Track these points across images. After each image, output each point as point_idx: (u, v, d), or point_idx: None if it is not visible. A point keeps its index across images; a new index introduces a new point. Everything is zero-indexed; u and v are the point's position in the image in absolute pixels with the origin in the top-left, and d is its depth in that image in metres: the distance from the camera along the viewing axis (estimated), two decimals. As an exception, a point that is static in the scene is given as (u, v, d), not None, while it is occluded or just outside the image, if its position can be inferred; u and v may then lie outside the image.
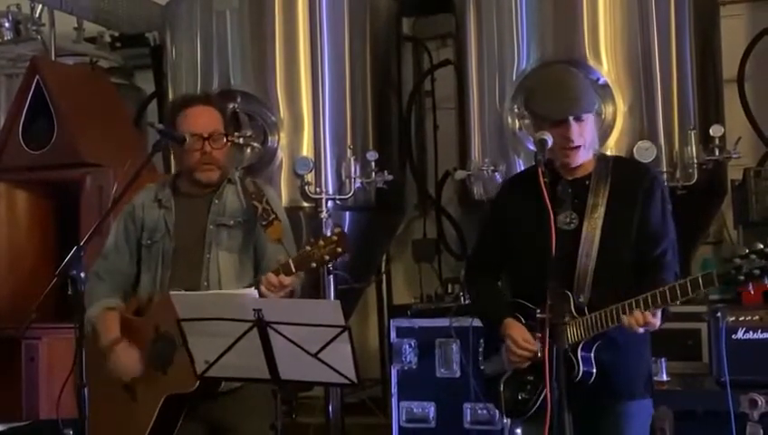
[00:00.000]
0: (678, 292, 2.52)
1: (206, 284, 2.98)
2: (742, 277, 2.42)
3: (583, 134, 2.70)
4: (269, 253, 3.00)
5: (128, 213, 3.16)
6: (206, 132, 3.03)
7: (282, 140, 4.72)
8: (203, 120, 3.06)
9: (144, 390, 2.99)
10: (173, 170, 4.91)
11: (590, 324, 2.65)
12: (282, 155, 4.70)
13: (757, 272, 2.39)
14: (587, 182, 2.75)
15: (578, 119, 2.68)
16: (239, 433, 3.01)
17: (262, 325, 2.56)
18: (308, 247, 2.79)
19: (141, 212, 3.13)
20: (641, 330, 2.59)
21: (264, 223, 2.90)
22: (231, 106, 4.56)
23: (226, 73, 4.79)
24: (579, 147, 2.71)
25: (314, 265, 2.78)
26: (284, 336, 2.56)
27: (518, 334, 2.75)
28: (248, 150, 4.65)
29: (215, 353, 2.68)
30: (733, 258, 2.44)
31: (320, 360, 2.57)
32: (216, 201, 3.06)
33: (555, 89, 2.73)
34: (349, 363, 2.58)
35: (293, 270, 2.80)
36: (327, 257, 2.76)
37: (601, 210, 2.70)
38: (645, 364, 2.76)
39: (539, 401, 2.70)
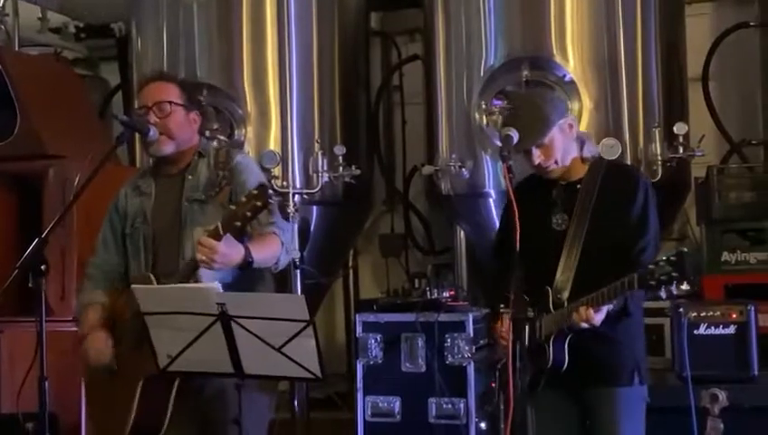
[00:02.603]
0: (611, 293, 2.66)
1: (183, 260, 2.93)
2: (653, 282, 2.53)
3: (549, 153, 2.85)
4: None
5: (113, 206, 3.15)
6: (150, 102, 3.00)
7: (248, 134, 4.69)
8: (150, 92, 3.03)
9: (127, 374, 2.95)
10: (137, 163, 4.92)
11: (556, 319, 2.78)
12: (248, 148, 4.67)
13: (664, 278, 2.51)
14: (578, 186, 2.89)
15: (537, 145, 2.82)
16: (209, 429, 2.98)
17: (225, 319, 2.55)
18: (231, 207, 2.75)
19: (124, 202, 3.12)
20: (585, 325, 2.71)
21: (217, 189, 2.89)
22: (197, 99, 4.51)
23: (193, 66, 4.75)
24: (549, 163, 2.86)
25: (239, 223, 2.69)
26: (248, 330, 2.55)
27: (504, 331, 2.88)
28: (214, 144, 4.60)
29: (178, 347, 2.67)
30: (649, 264, 2.56)
31: (284, 354, 2.57)
32: (190, 177, 3.02)
33: (517, 123, 2.86)
34: (313, 358, 2.58)
35: (221, 232, 2.71)
36: (249, 214, 2.69)
37: (588, 213, 2.83)
38: (630, 355, 2.82)
39: (532, 378, 2.80)
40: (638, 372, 2.82)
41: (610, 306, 2.70)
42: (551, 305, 2.81)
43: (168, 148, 3.01)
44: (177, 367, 2.72)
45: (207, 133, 4.55)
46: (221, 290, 2.60)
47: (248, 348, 2.59)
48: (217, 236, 2.70)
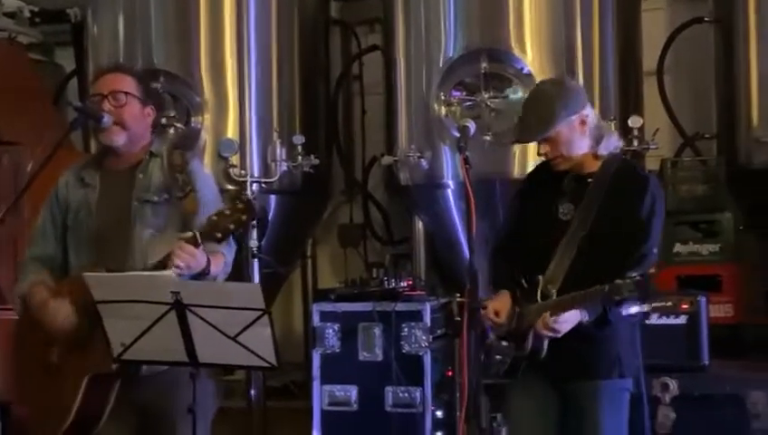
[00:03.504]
0: (575, 301, 2.71)
1: (131, 262, 2.89)
2: (617, 298, 2.60)
3: (555, 146, 2.85)
4: (188, 226, 2.87)
5: (53, 195, 3.06)
6: (106, 90, 2.95)
7: (206, 122, 4.66)
8: (107, 81, 2.98)
9: (70, 370, 2.91)
10: (92, 150, 4.86)
11: (540, 310, 2.80)
12: (206, 137, 4.64)
13: (627, 296, 2.58)
14: (588, 180, 2.88)
15: (544, 139, 2.83)
16: (163, 417, 2.97)
17: (180, 308, 2.53)
18: (214, 217, 2.72)
19: (65, 192, 3.03)
20: (548, 333, 2.75)
21: (180, 194, 2.84)
22: (154, 86, 4.47)
23: (149, 52, 4.70)
24: (557, 156, 2.86)
25: (220, 235, 2.70)
26: (203, 319, 2.54)
27: (492, 305, 2.90)
28: (171, 131, 4.58)
29: (132, 336, 2.64)
30: (617, 280, 2.61)
31: (239, 343, 2.56)
32: (140, 175, 2.96)
33: (522, 114, 2.91)
34: (269, 347, 2.57)
35: (199, 241, 2.71)
36: (232, 226, 2.69)
37: (594, 208, 2.82)
38: (612, 348, 2.83)
39: (507, 365, 2.89)
40: (618, 366, 2.83)
41: (586, 317, 2.71)
42: (539, 295, 2.82)
43: (119, 138, 2.95)
44: (132, 356, 2.69)
45: (164, 121, 4.52)
46: (176, 279, 2.58)
47: (203, 337, 2.57)
48: (195, 244, 2.70)
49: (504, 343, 2.89)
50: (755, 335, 4.71)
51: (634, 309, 2.59)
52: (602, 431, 2.82)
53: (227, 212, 2.69)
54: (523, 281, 2.90)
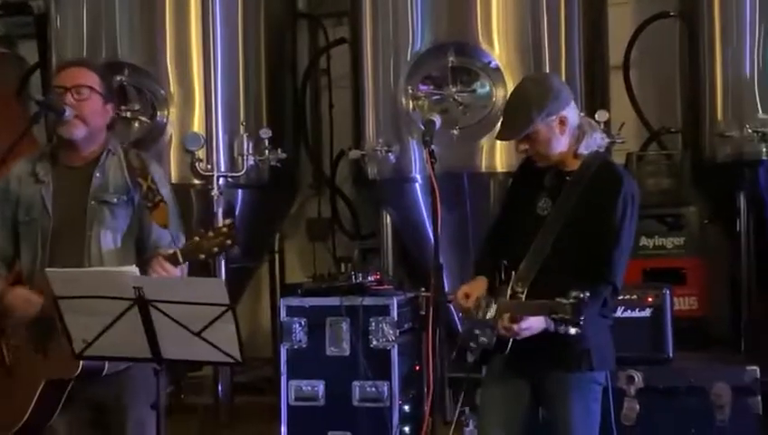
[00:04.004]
0: (529, 309, 2.74)
1: (87, 263, 2.88)
2: (554, 316, 2.64)
3: (533, 145, 2.87)
4: (154, 234, 2.91)
5: (3, 189, 3.00)
6: (69, 84, 2.92)
7: (171, 115, 4.63)
8: (70, 75, 2.95)
9: (24, 373, 2.88)
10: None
11: (507, 306, 2.82)
12: (171, 130, 4.61)
13: (562, 317, 2.61)
14: (567, 178, 2.89)
15: (525, 136, 2.85)
16: (124, 414, 2.94)
17: (142, 303, 2.51)
18: (197, 238, 2.75)
19: (17, 186, 2.98)
20: (507, 334, 2.77)
21: (149, 205, 2.81)
22: (118, 79, 4.44)
23: (114, 45, 4.65)
24: (537, 152, 2.89)
25: (202, 256, 2.74)
26: (166, 315, 2.51)
27: (464, 287, 2.93)
28: (136, 125, 4.53)
29: (94, 333, 2.61)
30: (560, 299, 2.63)
31: (203, 339, 2.54)
32: (98, 174, 2.93)
33: (504, 111, 2.94)
34: (233, 343, 2.56)
35: (180, 261, 2.75)
36: (216, 250, 2.72)
37: (569, 206, 2.85)
38: (583, 341, 2.83)
39: (481, 353, 2.90)
40: (588, 359, 2.85)
41: (551, 326, 2.71)
42: (508, 290, 2.84)
43: (79, 132, 2.92)
44: (94, 352, 2.66)
45: (129, 114, 4.48)
46: (138, 273, 2.55)
47: (166, 333, 2.55)
48: (176, 263, 2.73)
49: (477, 331, 2.90)
50: (719, 328, 4.77)
51: (573, 330, 2.61)
52: (572, 424, 2.85)
53: (211, 235, 2.72)
54: (502, 273, 2.92)
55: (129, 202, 2.92)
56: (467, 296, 2.90)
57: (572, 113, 2.89)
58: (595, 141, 2.92)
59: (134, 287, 2.50)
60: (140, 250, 2.97)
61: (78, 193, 2.92)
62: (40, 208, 2.94)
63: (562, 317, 2.61)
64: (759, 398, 3.61)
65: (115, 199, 2.91)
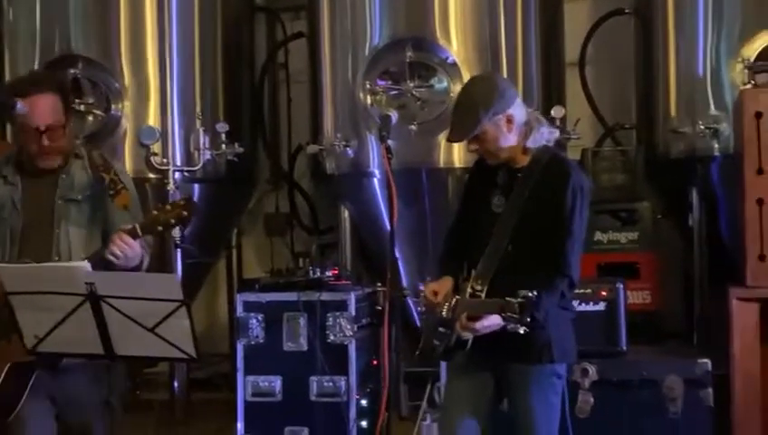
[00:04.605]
0: (484, 307, 2.78)
1: (56, 258, 2.90)
2: (504, 315, 2.67)
3: (483, 144, 2.92)
4: (117, 222, 2.94)
5: None
6: (42, 125, 2.90)
7: (126, 109, 4.58)
8: (38, 111, 2.91)
9: None
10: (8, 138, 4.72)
11: (468, 305, 2.85)
12: (126, 124, 4.56)
13: (511, 316, 2.64)
14: (519, 174, 2.93)
15: (474, 137, 2.89)
16: (82, 408, 2.92)
17: (94, 299, 2.48)
18: (155, 212, 2.80)
19: None
20: (468, 334, 2.81)
21: (111, 192, 2.86)
22: (72, 72, 4.38)
23: (67, 38, 4.59)
24: (486, 151, 2.93)
25: (161, 228, 2.79)
26: (119, 310, 2.49)
27: (431, 285, 2.96)
28: (90, 119, 4.48)
29: (46, 328, 2.59)
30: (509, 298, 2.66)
31: (157, 335, 2.53)
32: (64, 176, 2.98)
33: (453, 114, 2.97)
34: (187, 338, 2.54)
35: (140, 233, 2.78)
36: (173, 221, 2.76)
37: (521, 202, 2.89)
38: (544, 334, 2.87)
39: (444, 349, 2.93)
40: (549, 351, 2.88)
41: (509, 324, 2.74)
42: (468, 288, 2.87)
43: (57, 162, 2.97)
44: (46, 348, 2.64)
45: (83, 108, 4.43)
46: (90, 269, 2.53)
47: (119, 329, 2.53)
48: (135, 236, 2.77)
49: (441, 329, 2.93)
50: (672, 321, 4.84)
51: (521, 329, 2.64)
52: (533, 416, 2.89)
53: (168, 208, 2.78)
54: (465, 272, 2.96)
55: (93, 198, 2.97)
56: (436, 294, 2.93)
57: (519, 111, 2.94)
58: (542, 136, 2.96)
59: (86, 283, 2.48)
60: (106, 242, 2.97)
61: (46, 194, 2.96)
62: (9, 208, 2.97)
63: (510, 316, 2.65)
64: (710, 390, 3.67)
65: (80, 197, 2.96)
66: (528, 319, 2.63)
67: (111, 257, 2.74)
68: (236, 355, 4.18)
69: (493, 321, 2.77)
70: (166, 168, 4.51)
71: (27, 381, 2.82)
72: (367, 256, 5.01)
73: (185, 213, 2.75)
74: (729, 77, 4.38)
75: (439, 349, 2.93)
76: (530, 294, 2.63)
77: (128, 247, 2.75)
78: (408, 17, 4.57)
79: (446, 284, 2.96)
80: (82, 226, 2.94)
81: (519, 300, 2.63)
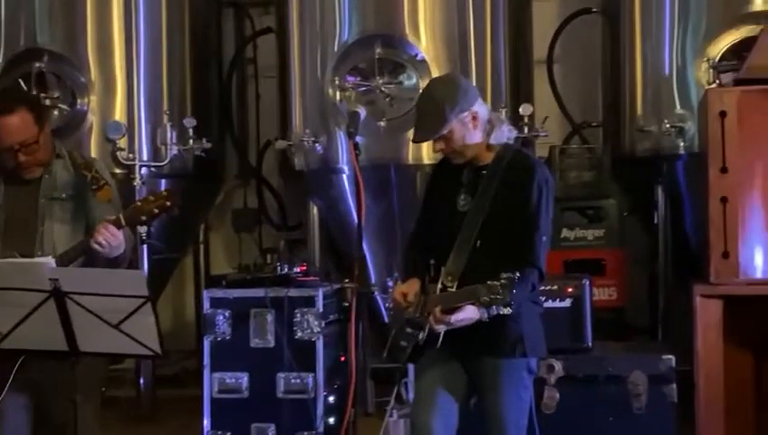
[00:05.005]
0: (458, 298, 2.80)
1: (39, 254, 2.90)
2: (486, 299, 2.68)
3: (449, 143, 2.92)
4: (101, 216, 2.96)
5: None
6: (16, 144, 2.92)
7: (92, 103, 4.55)
8: (9, 131, 2.92)
9: None
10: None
11: (438, 301, 2.85)
12: (92, 118, 4.53)
13: (494, 299, 2.67)
14: (483, 172, 2.95)
15: (440, 136, 2.90)
16: (51, 403, 2.90)
17: (59, 296, 2.46)
18: (138, 202, 2.88)
19: None
20: (441, 327, 2.81)
21: (94, 187, 2.91)
22: (37, 66, 4.34)
23: (33, 31, 4.56)
24: (450, 151, 2.94)
25: (144, 218, 2.86)
26: (83, 307, 2.47)
27: (399, 288, 2.98)
28: (55, 113, 4.43)
29: (9, 324, 2.57)
30: (491, 282, 2.69)
31: (122, 331, 2.51)
32: (47, 176, 3.01)
33: (416, 115, 2.99)
34: (153, 335, 2.53)
35: (123, 223, 2.83)
36: (156, 211, 2.82)
37: (487, 199, 2.90)
38: (515, 327, 2.89)
39: (412, 350, 2.94)
40: (521, 345, 2.90)
41: (485, 314, 2.76)
42: (438, 286, 2.88)
43: (39, 171, 2.99)
44: (10, 344, 2.62)
45: (48, 102, 4.38)
46: (54, 265, 2.50)
47: (84, 325, 2.52)
48: (119, 226, 2.82)
49: (408, 330, 2.93)
50: (637, 318, 4.90)
51: (506, 310, 2.66)
52: (503, 410, 2.90)
53: (151, 198, 2.85)
54: (431, 272, 2.97)
55: (76, 196, 3.00)
56: (405, 296, 2.94)
57: (482, 108, 2.97)
58: (503, 133, 2.99)
59: (50, 279, 2.46)
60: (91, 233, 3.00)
61: (30, 193, 2.99)
62: None
63: (495, 298, 2.65)
64: (674, 386, 3.70)
65: (63, 195, 3.00)
66: (512, 299, 2.65)
67: (96, 246, 2.78)
68: (203, 351, 4.16)
69: (468, 313, 2.78)
70: (132, 163, 4.47)
71: (11, 368, 2.78)
72: (336, 252, 5.00)
73: (168, 203, 2.82)
74: (695, 76, 4.43)
75: (407, 350, 2.94)
76: (512, 275, 2.65)
77: (112, 236, 2.79)
78: (378, 14, 4.57)
79: (413, 285, 2.97)
80: (66, 222, 2.97)
81: (502, 281, 2.65)
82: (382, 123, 4.43)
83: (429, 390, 2.97)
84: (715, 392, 3.70)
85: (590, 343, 3.86)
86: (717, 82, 4.24)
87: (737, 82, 3.77)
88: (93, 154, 4.49)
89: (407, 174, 4.55)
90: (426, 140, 3.00)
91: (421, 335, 2.89)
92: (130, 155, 4.50)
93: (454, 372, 2.96)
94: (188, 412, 4.52)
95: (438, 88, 3.01)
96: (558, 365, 3.71)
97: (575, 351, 3.81)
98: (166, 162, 4.59)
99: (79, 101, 4.53)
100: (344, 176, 4.64)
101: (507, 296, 2.65)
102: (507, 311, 2.68)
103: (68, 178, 3.00)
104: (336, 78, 4.52)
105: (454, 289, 2.86)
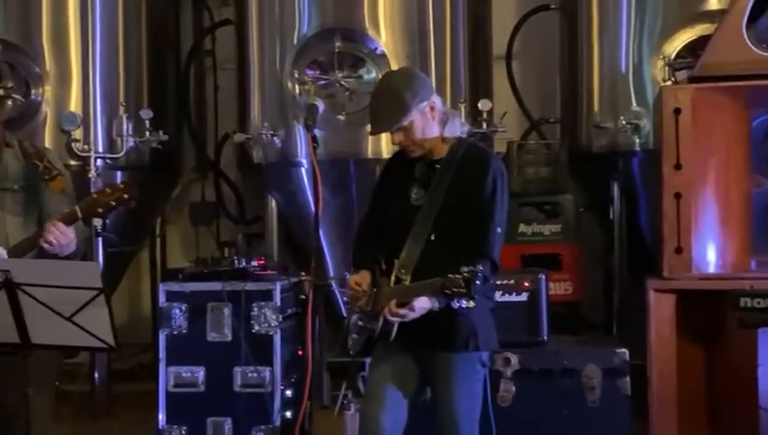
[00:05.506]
0: (415, 291, 2.80)
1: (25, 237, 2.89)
2: (448, 291, 2.69)
3: (409, 135, 2.91)
4: (54, 207, 2.95)
5: None
6: None
7: (46, 94, 4.49)
8: None
9: None
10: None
11: (392, 294, 2.86)
12: (46, 109, 4.47)
13: (456, 291, 2.67)
14: (438, 166, 2.94)
15: (398, 128, 2.89)
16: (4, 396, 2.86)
17: (10, 287, 2.42)
18: (94, 194, 2.87)
19: None
20: (396, 319, 2.82)
21: (47, 177, 2.89)
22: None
23: (-15, 19, 4.46)
24: (409, 143, 2.93)
25: (101, 210, 2.84)
26: (35, 299, 2.43)
27: (353, 277, 2.98)
28: (9, 103, 4.36)
29: (-40, 317, 2.51)
30: (452, 275, 2.69)
31: (75, 323, 2.48)
32: None
33: (373, 106, 2.96)
34: (106, 327, 2.51)
35: (80, 216, 2.81)
36: (113, 203, 2.81)
37: (441, 192, 2.90)
38: (467, 322, 2.89)
39: (365, 342, 2.96)
40: (473, 339, 2.91)
41: (436, 305, 2.77)
42: (392, 278, 2.88)
43: None
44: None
45: (1, 92, 4.31)
46: (5, 256, 2.46)
47: (36, 316, 2.49)
48: (75, 219, 2.80)
49: (361, 323, 2.94)
50: (592, 312, 4.95)
51: (469, 303, 2.67)
52: (456, 403, 2.91)
53: (108, 190, 2.83)
54: (383, 264, 2.97)
55: (28, 187, 2.97)
56: (359, 285, 2.95)
57: (438, 100, 2.99)
58: (457, 127, 3.01)
59: (1, 270, 2.43)
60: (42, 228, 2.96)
61: None
62: None
63: (457, 291, 2.65)
64: (628, 379, 3.75)
65: (15, 187, 2.97)
66: (475, 293, 2.65)
67: (46, 245, 2.76)
68: (158, 345, 4.12)
69: (422, 304, 2.78)
70: (87, 154, 4.42)
71: None
72: (294, 246, 4.99)
73: (125, 196, 2.81)
74: (650, 74, 4.49)
75: (359, 342, 2.94)
76: (474, 268, 2.65)
77: (62, 235, 2.77)
78: (338, 7, 4.56)
79: (365, 276, 2.97)
80: (18, 214, 2.95)
81: (465, 274, 2.65)
82: (341, 117, 4.43)
83: (379, 385, 2.97)
84: (667, 386, 3.76)
85: (545, 337, 3.90)
86: (672, 79, 4.30)
87: (692, 80, 3.82)
88: (48, 146, 4.40)
89: (366, 168, 4.55)
90: (386, 131, 2.97)
91: (375, 328, 2.89)
92: (86, 147, 4.45)
93: (405, 366, 2.96)
94: (144, 407, 4.48)
95: (396, 79, 3.01)
96: (514, 358, 3.74)
97: (531, 344, 3.84)
98: (122, 154, 4.54)
99: (33, 91, 4.47)
100: (303, 169, 4.62)
101: (471, 290, 2.65)
102: (471, 304, 2.69)
103: (18, 168, 2.96)
104: (295, 71, 4.51)
105: (408, 282, 2.86)
